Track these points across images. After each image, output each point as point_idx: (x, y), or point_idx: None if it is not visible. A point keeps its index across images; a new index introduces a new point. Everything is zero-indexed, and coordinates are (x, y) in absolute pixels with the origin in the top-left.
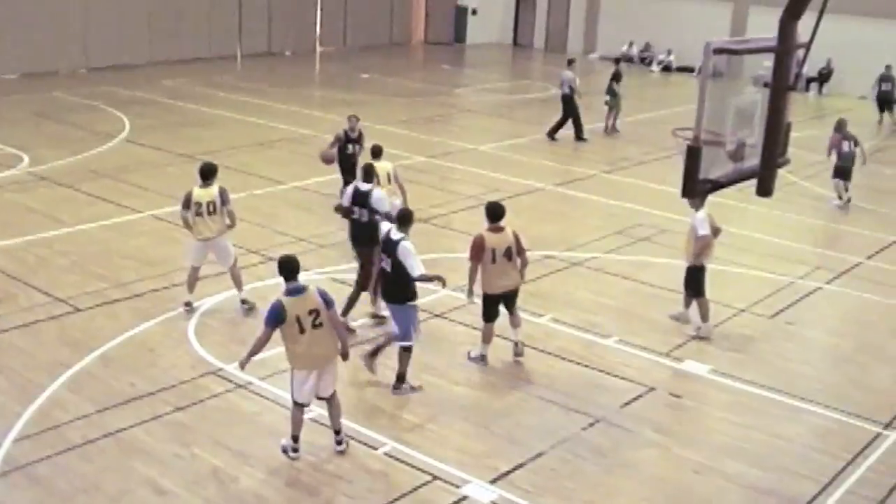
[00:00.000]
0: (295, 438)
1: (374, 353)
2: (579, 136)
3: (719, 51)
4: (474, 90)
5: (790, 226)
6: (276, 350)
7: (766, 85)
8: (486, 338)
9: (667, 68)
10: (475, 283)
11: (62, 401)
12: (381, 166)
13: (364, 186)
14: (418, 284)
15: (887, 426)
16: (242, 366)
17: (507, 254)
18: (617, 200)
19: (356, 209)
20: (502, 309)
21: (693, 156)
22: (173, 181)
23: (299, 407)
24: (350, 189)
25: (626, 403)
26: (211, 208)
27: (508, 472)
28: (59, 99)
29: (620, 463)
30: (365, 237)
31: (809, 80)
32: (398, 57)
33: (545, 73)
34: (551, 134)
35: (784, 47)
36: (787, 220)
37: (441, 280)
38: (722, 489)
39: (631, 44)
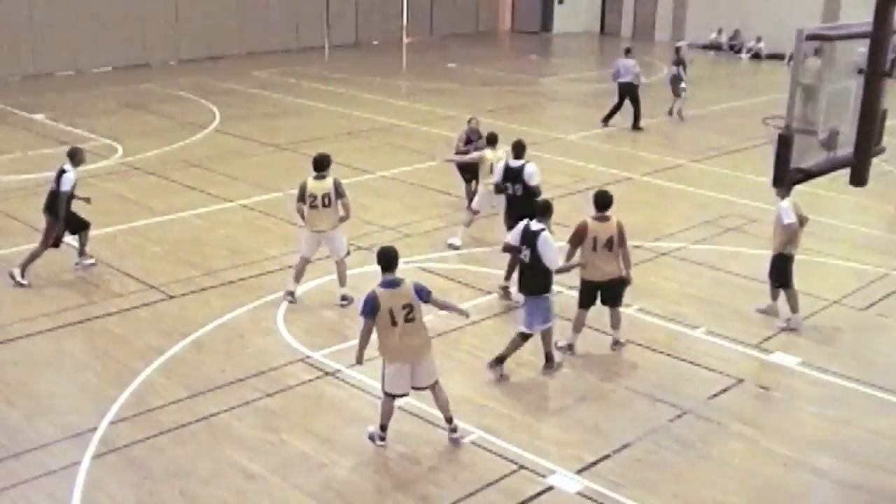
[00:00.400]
0: (383, 427)
1: (500, 361)
2: (637, 125)
3: (812, 37)
4: (561, 79)
5: (884, 216)
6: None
7: (860, 72)
8: (577, 326)
9: (756, 56)
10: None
11: (156, 385)
12: (495, 155)
13: (515, 163)
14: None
15: None
16: (359, 361)
17: (609, 244)
18: (705, 190)
19: (509, 185)
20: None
21: (784, 144)
22: (262, 171)
23: (390, 398)
24: (501, 165)
25: (714, 395)
26: (326, 201)
27: (594, 463)
28: (151, 90)
29: (707, 455)
30: (522, 211)
31: None
32: (484, 46)
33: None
34: (606, 120)
35: (880, 32)
36: (882, 210)
37: (580, 265)
38: (811, 483)
39: (720, 31)
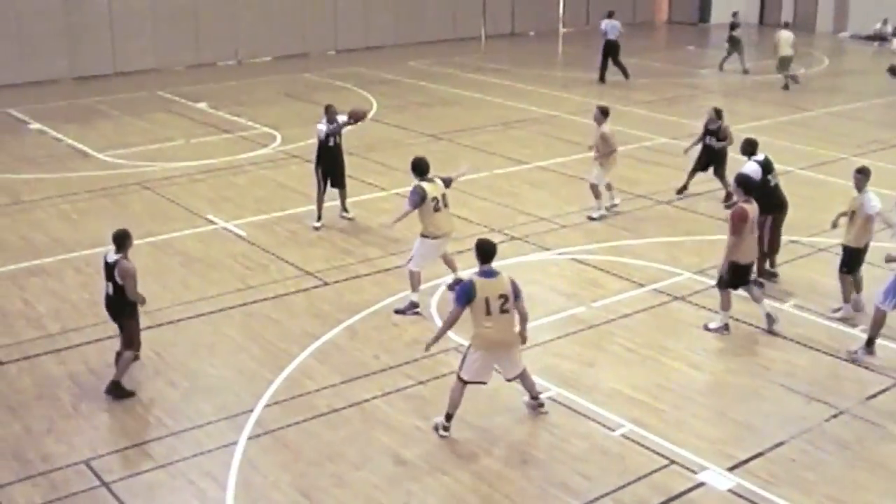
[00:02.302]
0: (449, 417)
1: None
2: (626, 76)
3: None
4: (718, 71)
5: None
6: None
7: None
8: (725, 305)
9: None
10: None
11: (310, 370)
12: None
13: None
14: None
15: None
16: (428, 348)
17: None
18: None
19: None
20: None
21: None
22: None
23: (462, 385)
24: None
25: (872, 396)
26: (445, 202)
27: (746, 461)
28: (309, 80)
29: (865, 457)
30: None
31: None
32: (641, 37)
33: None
34: (601, 78)
35: None
36: None
37: None
38: None
39: (885, 21)
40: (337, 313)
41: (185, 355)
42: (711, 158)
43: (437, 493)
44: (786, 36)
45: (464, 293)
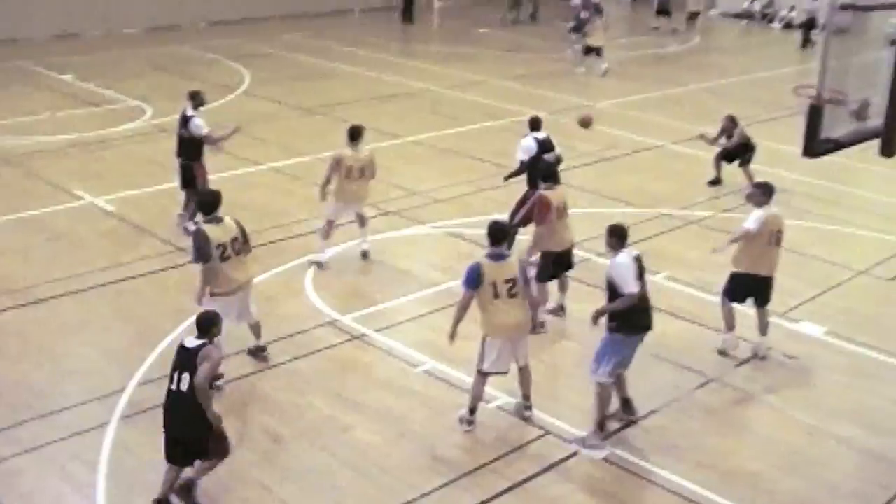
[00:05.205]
0: (472, 410)
1: None
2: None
3: (845, 6)
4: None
5: None
6: (393, 302)
7: (893, 43)
8: (545, 297)
9: (788, 25)
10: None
11: None
12: None
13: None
14: None
15: None
16: (452, 336)
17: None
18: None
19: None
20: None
21: (815, 114)
22: (291, 134)
23: (483, 377)
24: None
25: (740, 364)
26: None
27: (620, 430)
28: (180, 52)
29: (732, 423)
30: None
31: None
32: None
33: (666, 29)
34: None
35: None
36: None
37: None
38: (834, 452)
39: (753, 0)
40: None
41: (53, 335)
42: (730, 156)
43: (313, 468)
44: None
45: (471, 276)
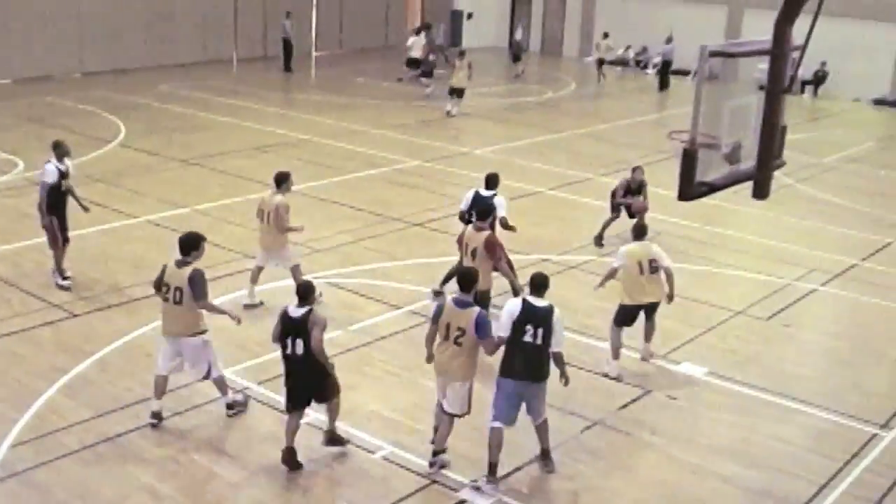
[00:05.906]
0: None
1: None
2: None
3: (715, 53)
4: (470, 94)
5: (786, 228)
6: (274, 354)
7: (761, 88)
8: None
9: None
10: None
11: (59, 406)
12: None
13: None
14: None
15: (883, 427)
16: (428, 360)
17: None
18: None
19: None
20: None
21: (689, 158)
22: (169, 186)
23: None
24: (470, 194)
25: (624, 406)
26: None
27: (507, 475)
28: (53, 104)
29: (618, 465)
30: None
31: (804, 83)
32: (394, 59)
33: (542, 76)
34: None
35: (779, 50)
36: (783, 222)
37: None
38: (718, 490)
39: (628, 47)
40: (86, 345)
41: None
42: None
43: None
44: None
45: (434, 312)
